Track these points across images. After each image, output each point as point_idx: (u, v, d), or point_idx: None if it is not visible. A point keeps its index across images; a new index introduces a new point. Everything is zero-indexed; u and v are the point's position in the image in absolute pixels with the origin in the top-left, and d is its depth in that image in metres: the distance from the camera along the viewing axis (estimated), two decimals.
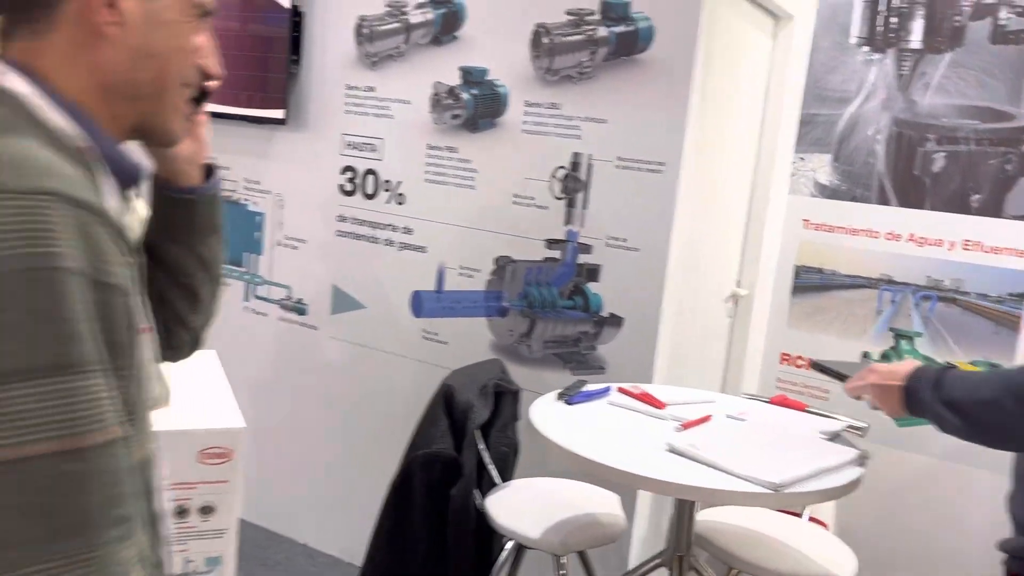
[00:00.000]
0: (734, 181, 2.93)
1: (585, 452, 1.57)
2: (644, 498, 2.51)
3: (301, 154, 3.01)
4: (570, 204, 2.53)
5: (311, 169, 3.00)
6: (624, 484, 1.57)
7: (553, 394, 1.99)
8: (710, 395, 2.03)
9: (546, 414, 1.82)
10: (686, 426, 1.74)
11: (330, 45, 2.91)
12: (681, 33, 2.32)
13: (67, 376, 0.66)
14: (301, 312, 3.08)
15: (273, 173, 3.08)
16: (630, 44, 2.39)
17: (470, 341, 2.73)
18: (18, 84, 0.76)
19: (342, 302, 2.99)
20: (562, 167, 2.52)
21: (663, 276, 2.40)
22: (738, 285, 3.12)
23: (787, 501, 1.60)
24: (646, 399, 1.88)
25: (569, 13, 2.47)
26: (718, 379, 3.18)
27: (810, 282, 3.10)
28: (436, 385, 2.49)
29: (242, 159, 3.15)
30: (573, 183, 2.51)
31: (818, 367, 1.88)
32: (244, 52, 2.96)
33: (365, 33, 2.82)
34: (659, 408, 1.84)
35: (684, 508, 1.76)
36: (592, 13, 2.43)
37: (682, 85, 2.33)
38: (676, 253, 2.41)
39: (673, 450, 1.59)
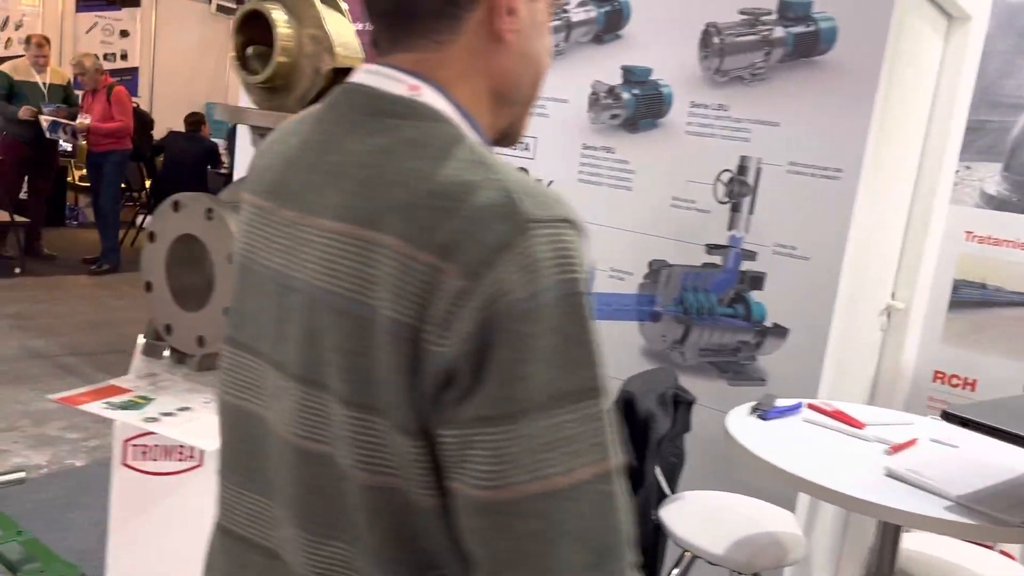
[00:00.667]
0: (898, 189, 2.82)
1: (800, 472, 1.51)
2: (823, 519, 2.43)
3: None
4: (735, 209, 2.46)
5: None
6: (845, 507, 1.51)
7: (745, 408, 1.93)
8: (907, 416, 1.94)
9: (745, 429, 1.77)
10: (895, 449, 1.66)
11: None
12: (868, 34, 2.22)
13: (597, 399, 0.67)
14: None
15: None
16: (809, 45, 2.30)
17: (619, 346, 2.68)
18: (438, 101, 0.74)
19: None
20: (728, 170, 2.45)
21: (835, 287, 2.31)
22: (893, 297, 3.00)
23: None
24: (841, 417, 1.80)
25: (743, 12, 2.39)
26: (864, 394, 3.06)
27: (970, 297, 2.96)
28: None
29: None
30: (739, 187, 2.44)
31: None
32: None
33: None
34: (858, 428, 1.76)
35: (889, 535, 1.68)
36: (768, 13, 2.36)
37: (867, 89, 2.23)
38: (849, 264, 2.32)
39: (892, 475, 1.52)
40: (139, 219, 7.57)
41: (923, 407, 2.97)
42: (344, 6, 1.47)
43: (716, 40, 2.44)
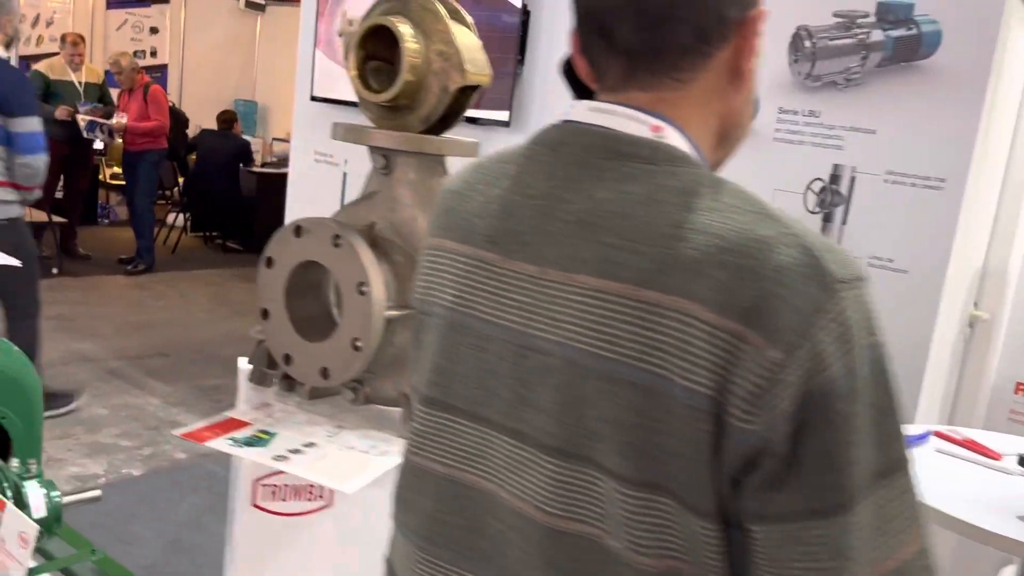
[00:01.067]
0: (990, 196, 2.72)
1: (954, 512, 1.42)
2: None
3: None
4: (827, 219, 2.37)
5: None
6: (1006, 551, 1.43)
7: None
8: None
9: None
10: None
11: (556, 46, 2.81)
12: (976, 38, 2.12)
13: (907, 470, 0.63)
14: None
15: None
16: (910, 49, 2.21)
17: None
18: (680, 143, 0.69)
19: None
20: (819, 179, 2.37)
21: (937, 302, 2.23)
22: (976, 307, 2.90)
23: None
24: (974, 447, 1.72)
25: (838, 15, 2.30)
26: (945, 407, 2.97)
27: None
28: None
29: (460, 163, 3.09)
30: (832, 196, 2.35)
31: None
32: None
33: None
34: (995, 459, 1.68)
35: None
36: (866, 15, 2.26)
37: (975, 95, 2.14)
38: (952, 278, 2.23)
39: None
40: (171, 217, 7.53)
41: (1004, 421, 2.87)
42: (469, 19, 1.40)
43: (808, 44, 2.35)
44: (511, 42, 2.81)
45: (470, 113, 2.86)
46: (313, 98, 3.34)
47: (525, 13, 2.82)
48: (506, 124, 2.87)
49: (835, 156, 2.34)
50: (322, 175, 3.43)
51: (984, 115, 2.15)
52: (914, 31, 2.20)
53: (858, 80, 2.29)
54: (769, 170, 2.44)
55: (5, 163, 3.06)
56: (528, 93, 2.88)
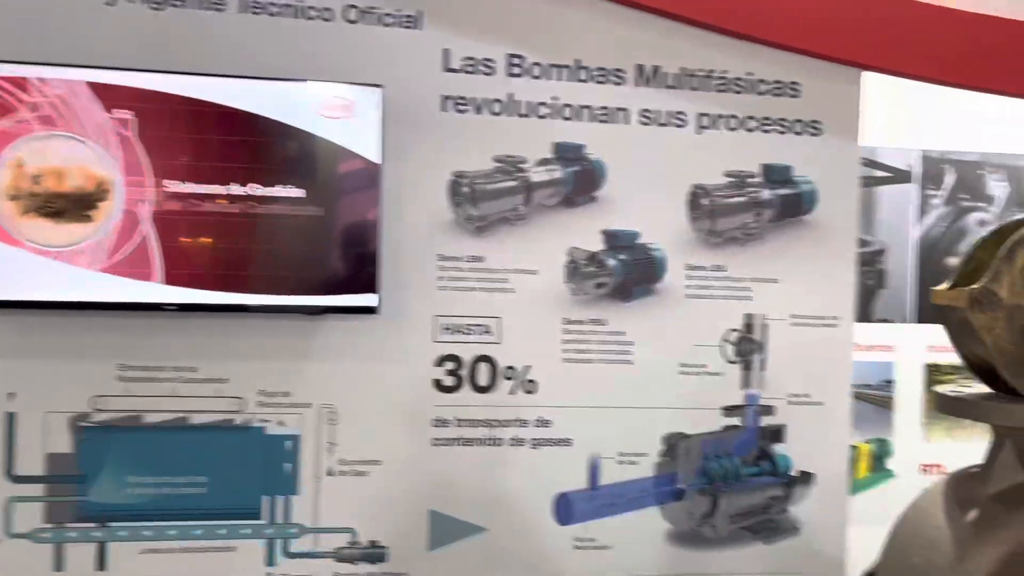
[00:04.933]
0: None
1: None
2: None
3: (363, 348, 2.25)
4: (746, 367, 2.45)
5: (385, 365, 2.27)
6: None
7: None
8: None
9: None
10: None
11: (411, 207, 2.27)
12: (842, 196, 2.48)
13: None
14: (377, 559, 2.28)
15: (313, 379, 2.23)
16: (795, 206, 2.46)
17: (639, 536, 2.40)
18: None
19: (446, 531, 2.31)
20: (735, 329, 2.44)
21: (846, 426, 2.51)
22: None
23: None
24: None
25: (729, 175, 2.42)
26: None
27: None
28: None
29: (255, 364, 2.20)
30: (748, 344, 2.45)
31: None
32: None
33: (466, 192, 2.29)
34: None
35: None
36: (753, 175, 2.44)
37: (848, 244, 2.49)
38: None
39: None
40: None
41: None
42: None
43: (706, 202, 2.41)
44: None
45: (285, 301, 2.38)
46: None
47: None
48: (373, 310, 2.19)
49: (745, 306, 2.44)
50: None
51: (855, 258, 2.52)
52: (795, 190, 2.46)
53: (756, 234, 2.44)
54: (685, 326, 2.41)
55: None
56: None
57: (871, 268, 3.34)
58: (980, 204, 3.57)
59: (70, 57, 2.03)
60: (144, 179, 2.03)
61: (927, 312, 3.50)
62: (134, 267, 2.03)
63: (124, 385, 2.13)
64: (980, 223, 3.58)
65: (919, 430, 3.61)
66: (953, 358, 3.63)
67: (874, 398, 3.50)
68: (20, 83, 1.96)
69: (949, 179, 3.56)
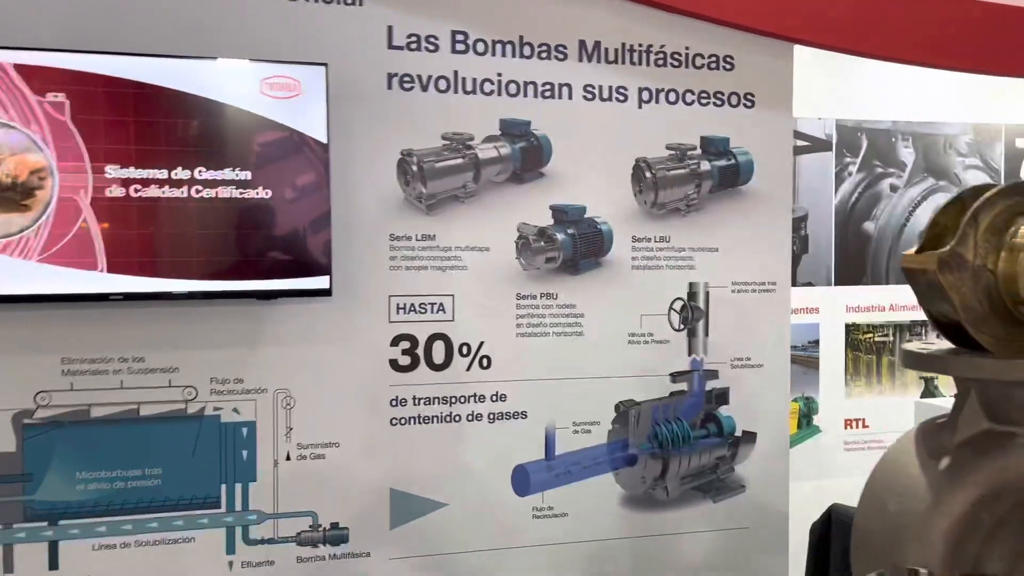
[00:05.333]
0: None
1: None
2: None
3: (317, 331, 2.24)
4: (691, 334, 2.54)
5: (340, 347, 2.26)
6: None
7: None
8: None
9: None
10: None
11: (360, 187, 2.26)
12: (777, 167, 2.58)
13: None
14: (339, 541, 2.28)
15: (266, 365, 2.21)
16: (733, 177, 2.55)
17: (595, 502, 2.47)
18: None
19: (407, 509, 2.33)
20: (679, 298, 2.52)
21: (786, 387, 2.62)
22: None
23: None
24: None
25: (670, 148, 2.49)
26: None
27: None
28: (565, 571, 2.35)
29: (206, 352, 2.16)
30: (693, 312, 2.53)
31: None
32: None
33: (415, 171, 2.29)
34: None
35: None
36: (693, 148, 2.51)
37: (782, 212, 2.59)
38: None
39: None
40: None
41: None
42: None
43: (648, 175, 2.47)
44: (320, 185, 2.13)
45: (235, 286, 2.44)
46: None
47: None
48: (327, 292, 2.17)
49: (690, 276, 2.52)
50: None
51: (789, 224, 2.62)
52: (733, 161, 2.54)
53: (697, 205, 2.52)
54: (631, 297, 2.48)
55: None
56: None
57: (795, 234, 3.47)
58: (892, 170, 3.75)
59: None
60: (82, 165, 1.95)
61: (846, 275, 3.67)
62: (75, 256, 1.96)
63: (69, 379, 2.06)
64: (892, 188, 3.77)
65: (842, 388, 3.80)
66: (869, 318, 3.82)
67: (801, 359, 3.66)
68: None
69: (863, 147, 3.72)
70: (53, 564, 2.07)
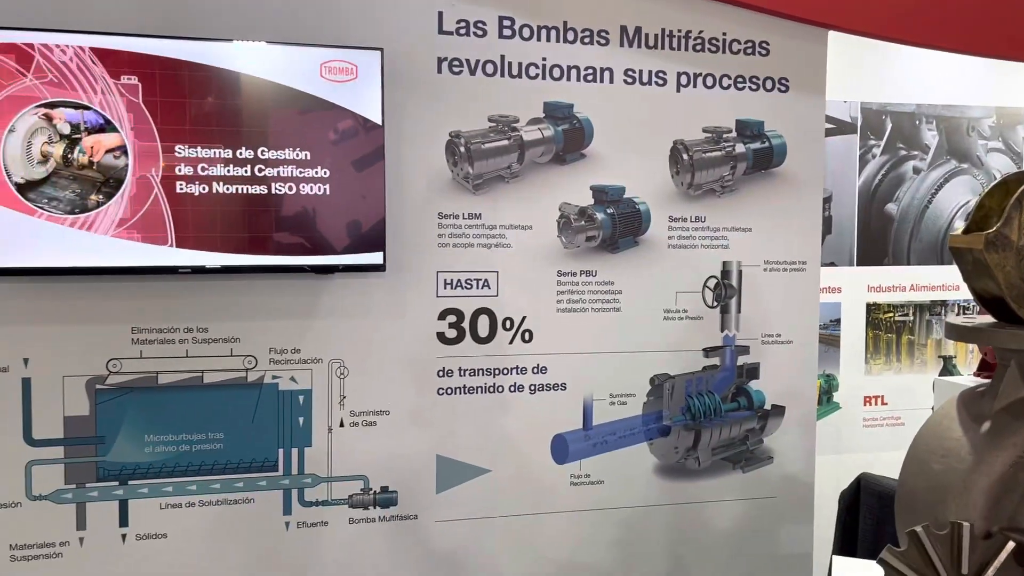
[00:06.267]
0: None
1: None
2: None
3: (370, 305, 2.35)
4: (724, 311, 2.63)
5: (391, 320, 2.37)
6: None
7: None
8: None
9: None
10: None
11: (411, 167, 2.35)
12: (809, 149, 2.66)
13: None
14: (388, 503, 2.40)
15: (322, 336, 2.32)
16: (766, 159, 2.63)
17: (631, 470, 2.58)
18: None
19: (452, 474, 2.45)
20: (713, 276, 2.61)
21: (814, 362, 2.72)
22: None
23: None
24: None
25: (706, 131, 2.57)
26: None
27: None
28: (600, 536, 2.44)
29: (266, 323, 2.27)
30: (726, 290, 2.63)
31: None
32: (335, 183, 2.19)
33: (462, 152, 2.38)
34: None
35: None
36: (729, 131, 2.59)
37: (813, 193, 2.68)
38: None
39: None
40: None
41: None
42: None
43: (685, 157, 2.55)
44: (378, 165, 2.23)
45: (295, 260, 2.58)
46: None
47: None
48: (381, 267, 2.27)
49: (724, 254, 2.61)
50: None
51: (820, 206, 2.71)
52: (767, 144, 2.62)
53: (732, 187, 2.61)
54: (667, 274, 2.57)
55: None
56: None
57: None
58: (915, 152, 3.83)
59: (69, 23, 2.03)
60: (154, 144, 2.05)
61: (868, 255, 3.76)
62: (147, 232, 2.07)
63: (139, 347, 2.17)
64: (915, 170, 3.84)
65: (862, 365, 3.90)
66: (890, 297, 3.91)
67: (823, 337, 3.75)
68: (27, 50, 1.96)
69: (887, 130, 3.79)
70: (123, 521, 2.19)
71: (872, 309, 3.89)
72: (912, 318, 3.95)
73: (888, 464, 2.32)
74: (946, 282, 3.84)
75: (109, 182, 2.02)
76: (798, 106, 2.62)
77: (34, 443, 2.13)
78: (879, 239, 3.84)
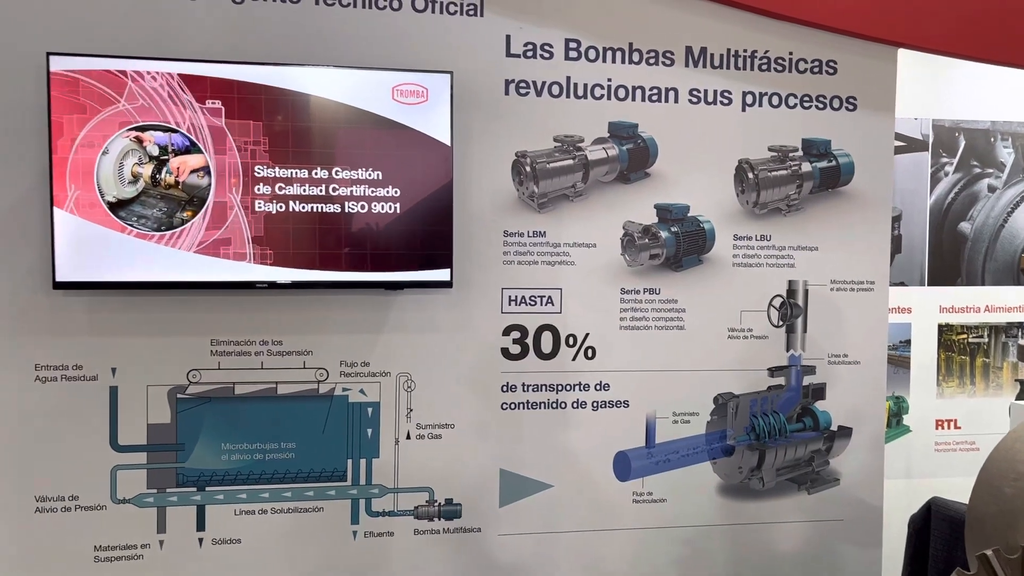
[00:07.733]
0: None
1: None
2: None
3: (437, 320, 2.40)
4: (789, 330, 2.62)
5: (457, 335, 2.42)
6: None
7: None
8: None
9: None
10: None
11: (478, 186, 2.41)
12: (877, 167, 2.64)
13: None
14: (452, 515, 2.44)
15: (390, 350, 2.38)
16: (833, 178, 2.62)
17: (693, 490, 2.58)
18: None
19: (515, 488, 2.48)
20: (779, 295, 2.60)
21: (882, 383, 2.68)
22: None
23: None
24: None
25: (772, 149, 2.57)
26: None
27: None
28: (661, 555, 2.43)
29: (337, 337, 2.35)
30: (792, 309, 2.61)
31: None
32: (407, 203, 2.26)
33: (528, 171, 2.43)
34: None
35: None
36: (795, 149, 2.59)
37: (882, 213, 2.65)
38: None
39: None
40: None
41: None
42: None
43: (751, 175, 2.56)
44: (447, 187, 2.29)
45: (363, 276, 2.62)
46: (58, 284, 2.11)
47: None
48: (448, 284, 2.33)
49: (789, 273, 2.60)
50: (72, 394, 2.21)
51: (889, 225, 2.68)
52: (834, 163, 2.61)
53: (797, 205, 2.60)
54: (732, 293, 2.57)
55: None
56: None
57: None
58: (990, 170, 3.74)
59: (158, 51, 2.14)
60: (235, 165, 2.15)
61: (939, 275, 3.68)
62: (227, 248, 2.16)
63: (217, 359, 2.27)
64: (990, 189, 3.75)
65: (933, 388, 3.81)
66: (963, 319, 3.81)
67: (892, 358, 3.68)
68: (120, 77, 2.08)
69: (960, 147, 3.72)
70: (200, 526, 2.28)
71: (944, 330, 3.80)
72: (987, 340, 3.85)
73: (961, 489, 2.27)
74: (1023, 304, 3.74)
75: (193, 201, 2.13)
76: (866, 124, 2.60)
77: (120, 449, 2.24)
78: (951, 259, 3.75)
